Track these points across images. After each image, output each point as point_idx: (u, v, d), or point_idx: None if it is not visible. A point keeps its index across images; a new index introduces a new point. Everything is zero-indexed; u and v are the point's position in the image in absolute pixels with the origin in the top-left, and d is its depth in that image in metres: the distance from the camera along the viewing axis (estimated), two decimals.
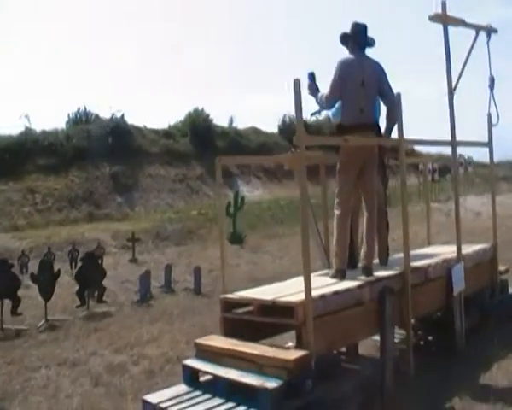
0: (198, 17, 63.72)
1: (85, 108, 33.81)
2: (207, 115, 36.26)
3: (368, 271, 5.38)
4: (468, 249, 6.84)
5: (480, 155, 33.60)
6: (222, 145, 33.93)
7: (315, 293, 4.44)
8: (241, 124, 38.89)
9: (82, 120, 32.74)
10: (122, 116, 32.05)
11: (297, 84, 4.36)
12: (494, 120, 7.02)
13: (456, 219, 6.33)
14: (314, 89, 5.85)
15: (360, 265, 5.57)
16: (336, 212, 5.58)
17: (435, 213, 21.69)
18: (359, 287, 4.95)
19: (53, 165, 27.66)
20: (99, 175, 28.22)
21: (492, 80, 6.94)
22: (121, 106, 41.47)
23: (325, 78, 5.66)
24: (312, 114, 6.55)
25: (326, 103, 5.70)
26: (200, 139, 33.19)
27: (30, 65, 55.65)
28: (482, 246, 7.27)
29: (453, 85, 6.44)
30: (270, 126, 40.61)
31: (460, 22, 6.55)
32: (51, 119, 53.79)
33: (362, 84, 5.51)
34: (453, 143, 6.35)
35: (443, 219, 20.29)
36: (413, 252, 6.85)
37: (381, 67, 5.71)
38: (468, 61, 6.68)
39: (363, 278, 5.27)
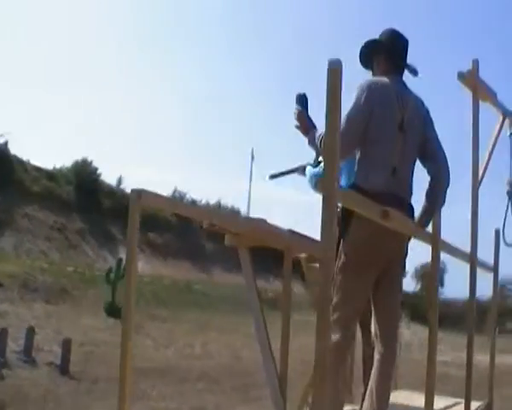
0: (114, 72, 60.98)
1: None
2: (96, 169, 33.29)
3: None
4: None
5: None
6: (107, 205, 31.48)
7: None
8: (130, 186, 36.12)
9: None
10: (6, 143, 28.82)
11: None
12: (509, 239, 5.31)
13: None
14: (306, 120, 3.60)
15: None
16: (332, 335, 3.23)
17: None
18: None
19: None
20: None
21: None
22: (8, 130, 38.05)
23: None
24: (273, 177, 4.38)
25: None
26: (85, 192, 30.44)
27: None
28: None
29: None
30: None
31: (490, 96, 4.89)
32: None
33: (400, 127, 3.44)
34: (473, 260, 4.53)
35: None
36: None
37: (426, 107, 3.69)
38: (493, 151, 5.13)
39: None
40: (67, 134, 48.71)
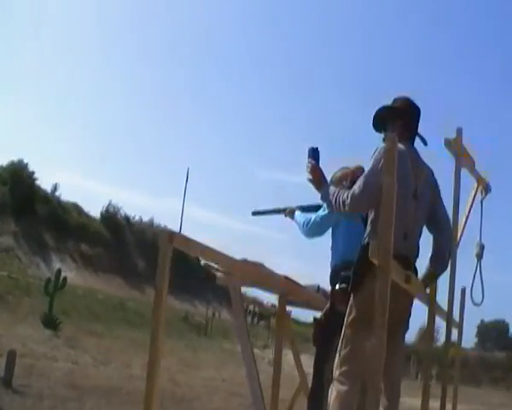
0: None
1: None
2: (32, 173, 32.54)
3: None
4: None
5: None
6: (42, 211, 31.06)
7: None
8: (64, 194, 35.35)
9: None
10: None
11: None
12: (477, 299, 5.30)
13: None
14: (321, 175, 3.73)
15: None
16: (340, 387, 3.48)
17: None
18: None
19: None
20: None
21: (482, 248, 5.30)
22: None
23: None
24: (256, 214, 4.56)
25: (351, 206, 3.45)
26: (21, 196, 29.62)
27: None
28: None
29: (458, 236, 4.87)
30: (93, 209, 37.94)
31: (469, 162, 5.06)
32: None
33: (414, 195, 3.58)
34: (449, 319, 4.56)
35: (266, 367, 19.13)
36: None
37: (435, 178, 3.86)
38: (470, 213, 5.34)
39: None
40: (2, 132, 47.63)
